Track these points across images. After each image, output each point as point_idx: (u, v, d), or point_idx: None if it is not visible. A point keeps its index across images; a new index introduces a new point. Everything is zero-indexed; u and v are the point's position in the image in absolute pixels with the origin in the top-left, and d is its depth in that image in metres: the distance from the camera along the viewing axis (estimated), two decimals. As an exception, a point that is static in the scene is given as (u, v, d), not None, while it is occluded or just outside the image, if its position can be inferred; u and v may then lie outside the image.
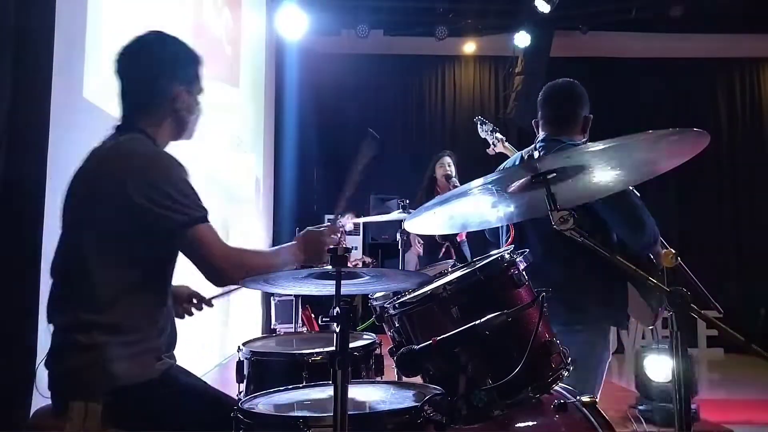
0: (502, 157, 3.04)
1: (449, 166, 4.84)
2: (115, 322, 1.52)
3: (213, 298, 1.98)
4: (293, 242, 1.78)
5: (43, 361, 1.58)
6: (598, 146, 1.30)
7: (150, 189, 1.52)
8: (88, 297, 1.53)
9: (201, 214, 1.57)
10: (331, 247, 1.24)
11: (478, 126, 3.30)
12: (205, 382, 1.76)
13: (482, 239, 2.63)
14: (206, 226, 1.57)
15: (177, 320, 1.87)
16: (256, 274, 1.61)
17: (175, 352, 1.70)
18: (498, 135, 3.31)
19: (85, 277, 1.53)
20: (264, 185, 7.37)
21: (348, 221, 7.75)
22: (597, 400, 1.54)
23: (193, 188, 1.58)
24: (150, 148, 1.62)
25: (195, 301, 1.94)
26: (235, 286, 1.87)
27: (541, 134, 2.33)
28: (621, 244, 2.12)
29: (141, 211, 1.51)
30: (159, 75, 1.67)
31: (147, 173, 1.54)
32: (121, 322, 1.52)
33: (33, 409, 1.67)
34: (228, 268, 1.56)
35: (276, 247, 1.78)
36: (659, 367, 3.88)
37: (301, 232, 1.80)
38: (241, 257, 1.61)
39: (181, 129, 1.74)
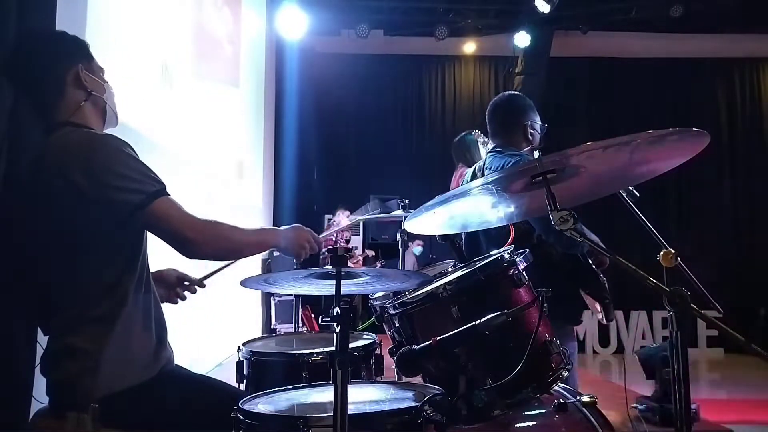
0: None
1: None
2: (103, 315, 1.49)
3: (204, 278, 1.91)
4: (279, 228, 1.75)
5: (38, 366, 1.56)
6: (598, 146, 1.30)
7: (98, 173, 1.46)
8: (72, 298, 1.50)
9: (157, 188, 1.50)
10: (330, 247, 1.24)
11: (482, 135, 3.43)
12: (206, 376, 1.75)
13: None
14: (166, 199, 1.50)
15: (175, 315, 1.85)
16: (230, 245, 1.60)
17: (175, 352, 1.69)
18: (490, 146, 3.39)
19: (65, 279, 1.51)
20: (264, 185, 7.37)
21: (343, 218, 7.78)
22: (597, 399, 1.54)
23: (143, 163, 1.52)
24: (85, 134, 1.56)
25: (187, 283, 1.88)
26: (227, 262, 1.84)
27: (489, 146, 2.53)
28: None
29: (96, 198, 1.45)
30: (49, 64, 1.61)
31: (90, 159, 1.48)
32: (108, 315, 1.49)
33: (33, 410, 1.67)
34: (197, 238, 1.50)
35: (256, 228, 1.74)
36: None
37: (293, 225, 1.77)
38: (212, 226, 1.55)
39: (101, 111, 1.67)
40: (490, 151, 2.50)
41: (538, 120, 2.52)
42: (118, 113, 1.75)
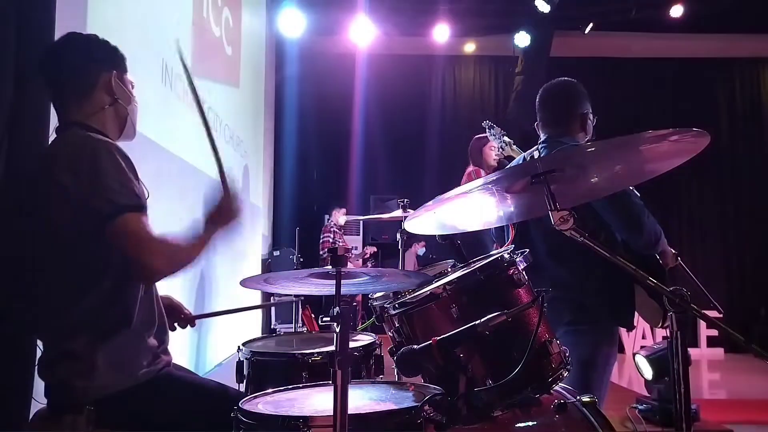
0: (511, 160, 3.04)
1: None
2: (102, 319, 1.49)
3: (198, 317, 1.90)
4: (203, 220, 1.62)
5: (36, 370, 1.56)
6: (599, 146, 1.30)
7: (82, 176, 1.45)
8: (70, 301, 1.50)
9: (130, 202, 1.46)
10: (330, 247, 1.24)
11: (487, 130, 3.27)
12: (203, 378, 1.75)
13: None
14: (134, 216, 1.45)
15: None
16: (186, 262, 1.53)
17: (176, 352, 1.69)
18: (506, 138, 3.27)
19: (62, 282, 1.51)
20: (264, 185, 7.36)
21: (338, 215, 7.77)
22: (597, 400, 1.54)
23: (129, 176, 1.50)
24: (83, 137, 1.55)
25: (182, 316, 1.86)
26: (226, 309, 1.76)
27: (542, 136, 2.34)
28: (625, 244, 2.11)
29: (78, 201, 1.45)
30: (86, 62, 1.65)
31: (80, 161, 1.48)
32: (106, 319, 1.49)
33: (33, 411, 1.67)
34: (156, 265, 1.44)
35: (193, 231, 1.60)
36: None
37: (207, 211, 1.64)
38: (168, 248, 1.49)
39: (122, 121, 1.69)
40: (543, 141, 2.31)
41: (590, 109, 2.35)
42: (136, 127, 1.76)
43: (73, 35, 1.74)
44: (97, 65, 1.66)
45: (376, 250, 7.87)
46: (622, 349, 7.27)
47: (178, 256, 1.51)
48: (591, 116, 2.32)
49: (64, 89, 1.65)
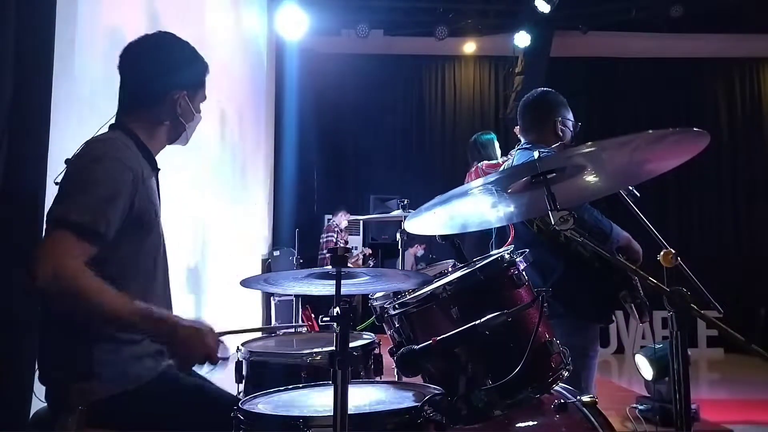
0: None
1: None
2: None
3: None
4: (170, 320, 1.44)
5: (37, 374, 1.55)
6: (599, 146, 1.30)
7: (69, 174, 1.46)
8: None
9: (77, 220, 1.35)
10: (330, 247, 1.23)
11: None
12: (204, 380, 1.75)
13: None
14: (69, 234, 1.33)
15: None
16: (85, 310, 1.37)
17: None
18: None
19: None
20: (264, 185, 7.36)
21: (342, 219, 7.76)
22: (597, 399, 1.54)
23: (109, 198, 1.40)
24: (107, 144, 1.52)
25: None
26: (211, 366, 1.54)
27: (522, 141, 2.51)
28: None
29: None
30: (159, 76, 1.64)
31: (75, 160, 1.48)
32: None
33: (33, 410, 1.67)
34: (49, 289, 1.31)
35: (144, 306, 1.41)
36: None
37: (198, 321, 1.49)
38: (76, 287, 1.32)
39: (177, 134, 1.70)
40: (519, 147, 2.47)
41: (569, 116, 2.47)
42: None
43: (164, 37, 1.70)
44: (168, 81, 1.63)
45: (370, 251, 7.88)
46: (622, 349, 7.28)
47: (81, 297, 1.33)
48: (568, 123, 2.45)
49: (128, 91, 1.64)
